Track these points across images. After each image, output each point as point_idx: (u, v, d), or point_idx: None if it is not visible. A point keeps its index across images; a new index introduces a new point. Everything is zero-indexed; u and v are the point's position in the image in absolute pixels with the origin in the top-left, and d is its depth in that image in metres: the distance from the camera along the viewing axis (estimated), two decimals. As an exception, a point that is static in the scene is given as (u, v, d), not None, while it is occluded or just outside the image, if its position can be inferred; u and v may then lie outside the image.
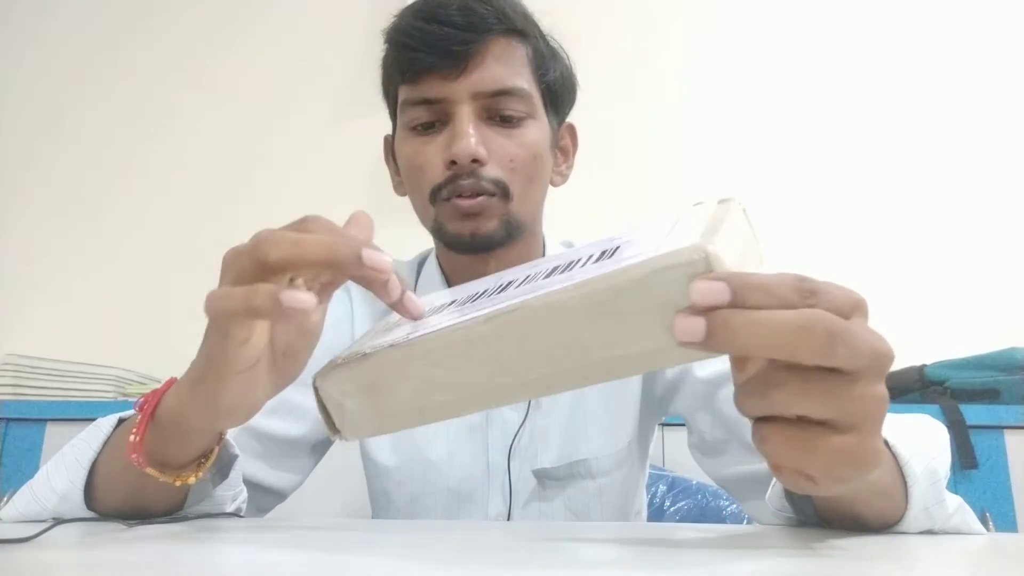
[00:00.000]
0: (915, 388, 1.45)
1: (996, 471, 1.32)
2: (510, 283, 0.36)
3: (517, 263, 0.43)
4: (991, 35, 1.85)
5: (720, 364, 0.65)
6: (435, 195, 0.65)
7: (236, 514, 0.53)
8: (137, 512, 0.47)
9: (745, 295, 0.27)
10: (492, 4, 0.64)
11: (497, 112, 0.65)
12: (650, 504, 1.08)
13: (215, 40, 2.06)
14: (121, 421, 0.50)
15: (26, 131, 2.05)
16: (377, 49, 0.70)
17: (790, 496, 0.46)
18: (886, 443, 0.40)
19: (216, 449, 0.47)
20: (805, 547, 0.38)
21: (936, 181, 1.80)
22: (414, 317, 0.37)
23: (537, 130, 0.67)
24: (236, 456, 0.51)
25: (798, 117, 1.87)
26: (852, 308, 0.29)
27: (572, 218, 1.21)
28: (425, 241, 0.74)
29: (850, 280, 0.30)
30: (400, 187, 0.73)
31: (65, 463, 0.48)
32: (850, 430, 0.29)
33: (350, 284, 0.68)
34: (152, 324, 1.86)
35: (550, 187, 0.73)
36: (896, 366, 1.02)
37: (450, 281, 0.74)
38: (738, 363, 0.31)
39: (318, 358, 0.42)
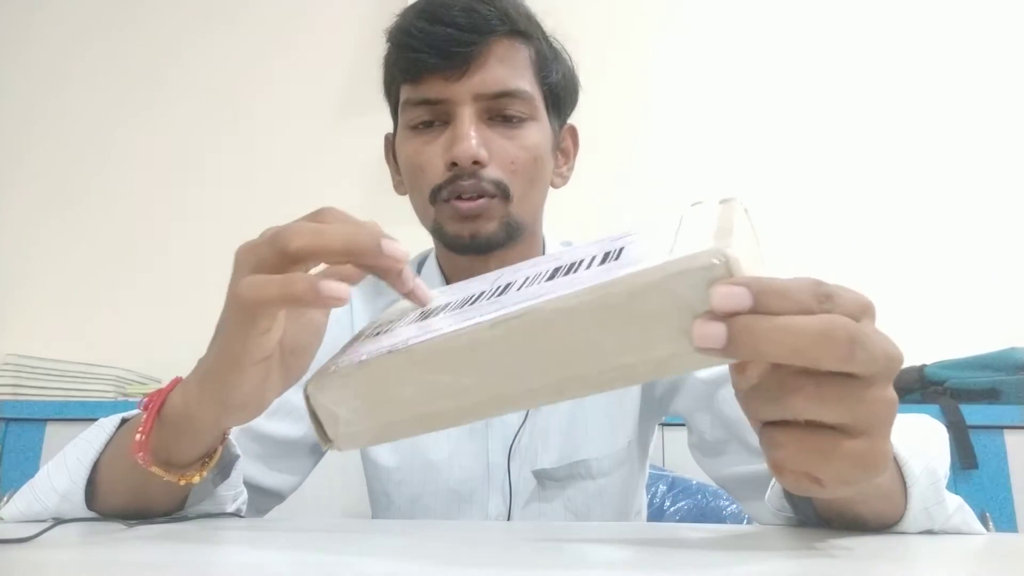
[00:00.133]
0: (915, 388, 1.45)
1: (996, 471, 1.32)
2: (509, 285, 0.34)
3: None
4: (991, 35, 1.85)
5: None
6: (435, 196, 0.65)
7: (236, 514, 0.54)
8: (139, 511, 0.47)
9: (766, 300, 0.27)
10: (495, 5, 0.64)
11: (499, 113, 0.65)
12: (650, 504, 1.08)
13: (215, 40, 2.06)
14: (124, 421, 0.50)
15: (26, 130, 2.04)
16: (378, 48, 0.70)
17: (790, 496, 0.46)
18: None
19: (220, 448, 0.47)
20: (805, 547, 0.38)
21: (936, 181, 1.80)
22: (423, 304, 0.38)
23: (538, 132, 0.67)
24: (238, 456, 0.51)
25: (798, 118, 1.87)
26: (862, 311, 0.29)
27: (572, 218, 1.21)
28: (425, 241, 0.74)
29: (850, 280, 0.29)
30: (400, 186, 0.72)
31: (67, 463, 0.48)
32: (862, 434, 0.29)
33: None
34: (152, 324, 1.86)
35: (550, 188, 0.73)
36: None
37: (449, 281, 0.74)
38: (738, 366, 0.31)
39: (318, 358, 0.42)
